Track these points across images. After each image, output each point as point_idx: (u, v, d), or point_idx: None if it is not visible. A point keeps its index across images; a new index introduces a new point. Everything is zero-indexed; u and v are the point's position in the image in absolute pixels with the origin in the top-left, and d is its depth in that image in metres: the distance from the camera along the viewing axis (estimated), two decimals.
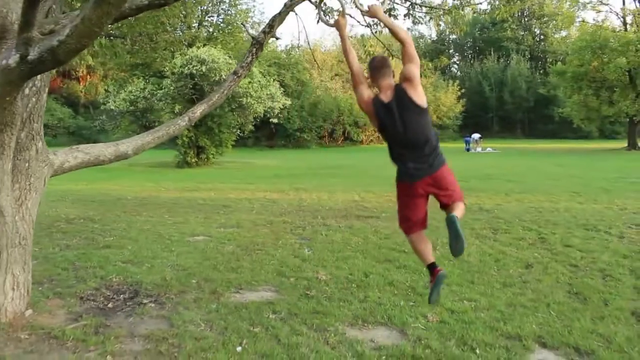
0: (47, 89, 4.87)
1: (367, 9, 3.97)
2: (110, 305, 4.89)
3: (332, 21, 4.18)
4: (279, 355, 3.72)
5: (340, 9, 4.25)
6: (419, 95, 3.54)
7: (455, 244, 3.45)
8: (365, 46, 8.89)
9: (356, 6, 4.29)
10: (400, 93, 3.54)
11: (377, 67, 3.68)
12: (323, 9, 7.36)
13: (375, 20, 7.55)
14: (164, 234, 8.00)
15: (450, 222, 3.44)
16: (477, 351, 3.76)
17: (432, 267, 3.74)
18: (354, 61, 3.76)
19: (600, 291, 5.02)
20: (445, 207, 3.69)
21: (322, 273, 5.78)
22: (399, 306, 4.69)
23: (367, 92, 3.67)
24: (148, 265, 6.21)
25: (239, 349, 3.84)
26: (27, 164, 4.58)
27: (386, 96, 3.58)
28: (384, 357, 3.69)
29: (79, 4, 6.97)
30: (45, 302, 4.86)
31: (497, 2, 8.55)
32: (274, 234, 7.97)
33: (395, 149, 3.66)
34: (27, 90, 4.53)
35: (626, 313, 4.45)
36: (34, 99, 4.64)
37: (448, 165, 3.72)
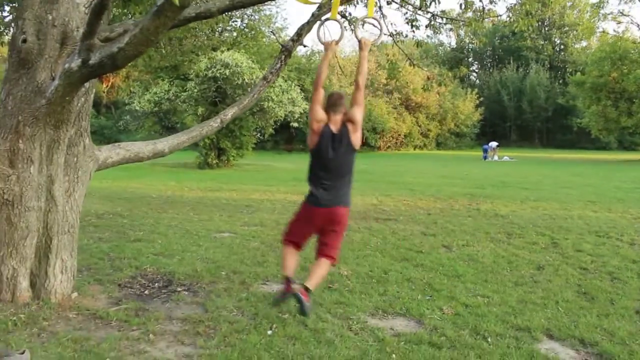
0: (94, 90, 5.28)
1: (360, 39, 4.46)
2: (146, 292, 5.27)
3: (325, 39, 4.59)
4: (306, 338, 4.07)
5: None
6: (357, 139, 4.17)
7: (301, 312, 4.15)
8: (388, 55, 9.22)
9: (354, 35, 4.77)
10: (344, 130, 4.13)
11: (334, 103, 4.21)
12: (350, 20, 7.72)
13: (399, 30, 7.98)
14: (191, 230, 8.39)
15: (299, 302, 4.08)
16: (489, 340, 4.08)
17: (287, 280, 4.28)
18: (322, 84, 4.30)
19: (607, 291, 5.31)
20: (317, 255, 4.33)
21: (344, 269, 6.11)
22: (416, 300, 5.02)
23: (322, 115, 4.19)
24: (179, 257, 6.60)
25: (269, 332, 4.20)
26: (75, 159, 4.98)
27: (334, 128, 4.13)
28: (402, 342, 4.03)
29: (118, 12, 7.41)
30: (88, 287, 5.26)
31: (516, 14, 8.80)
32: None
33: (317, 172, 4.19)
34: None
35: (631, 311, 4.74)
36: (82, 99, 5.03)
37: (349, 211, 4.35)
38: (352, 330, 4.29)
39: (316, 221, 4.23)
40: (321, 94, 4.25)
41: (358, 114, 4.17)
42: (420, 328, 4.35)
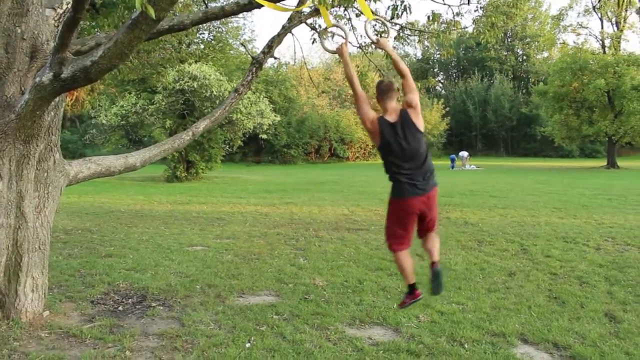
0: (64, 104, 5.20)
1: (376, 40, 4.38)
2: (120, 308, 5.19)
3: (332, 47, 4.53)
4: (285, 350, 4.06)
5: (344, 36, 4.64)
6: (420, 122, 3.92)
7: (437, 290, 3.99)
8: (358, 67, 9.32)
9: (369, 37, 4.69)
10: (405, 116, 3.88)
11: (385, 90, 3.99)
12: (320, 32, 7.79)
13: (368, 41, 8.06)
14: (162, 244, 8.29)
15: (437, 275, 3.94)
16: (466, 346, 4.14)
17: (412, 287, 4.05)
18: (358, 84, 4.07)
19: (577, 295, 5.45)
20: (425, 233, 4.08)
21: (319, 280, 6.13)
22: (392, 309, 5.05)
23: (372, 112, 3.97)
24: (152, 272, 6.51)
25: (247, 344, 4.18)
26: (46, 174, 4.89)
27: (392, 117, 3.89)
28: (381, 351, 4.06)
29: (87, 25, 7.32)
30: (59, 305, 5.15)
31: (481, 26, 9.00)
32: (269, 245, 8.30)
33: (396, 166, 3.88)
34: None
35: (600, 314, 4.87)
36: (52, 113, 4.93)
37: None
38: (330, 340, 4.29)
39: (414, 211, 3.91)
40: (362, 95, 4.01)
41: (415, 98, 3.95)
42: (397, 336, 4.39)
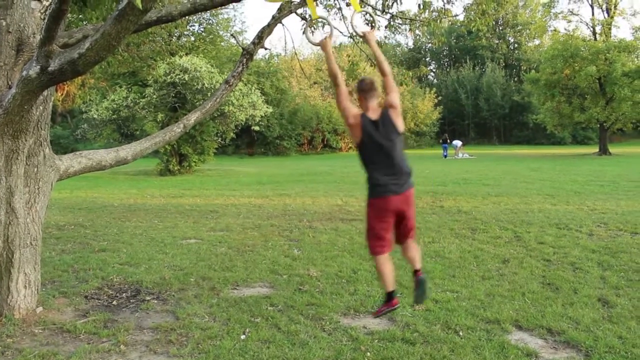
0: (52, 98, 5.14)
1: (363, 34, 4.31)
2: (114, 302, 5.17)
3: (317, 40, 4.48)
4: (280, 341, 4.06)
5: (328, 29, 4.60)
6: (400, 122, 3.93)
7: (420, 299, 4.02)
8: (349, 57, 9.28)
9: (355, 31, 4.64)
10: (386, 115, 3.89)
11: (367, 89, 3.96)
12: (306, 24, 7.75)
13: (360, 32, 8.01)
14: (156, 238, 8.26)
15: (421, 284, 3.95)
16: (461, 333, 4.16)
17: (390, 295, 3.93)
18: (341, 79, 4.04)
19: (570, 281, 5.47)
20: (404, 239, 4.03)
21: (313, 270, 6.12)
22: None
23: (355, 108, 3.96)
24: (145, 266, 6.49)
25: (242, 336, 4.18)
26: (35, 169, 4.85)
27: (373, 115, 3.89)
28: (376, 341, 4.06)
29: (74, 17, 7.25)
30: (53, 300, 5.12)
31: (472, 14, 8.98)
32: (263, 237, 8.29)
33: (373, 163, 3.88)
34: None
35: (593, 299, 4.90)
36: (41, 108, 4.88)
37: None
38: (325, 330, 4.30)
39: (392, 208, 3.85)
40: (344, 90, 3.99)
41: (396, 98, 3.95)
42: (392, 325, 4.40)
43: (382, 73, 4.04)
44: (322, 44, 4.19)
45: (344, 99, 3.94)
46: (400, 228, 3.98)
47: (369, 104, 3.94)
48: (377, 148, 3.84)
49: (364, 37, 4.29)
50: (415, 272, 4.02)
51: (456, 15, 9.33)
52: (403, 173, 3.88)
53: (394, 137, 3.86)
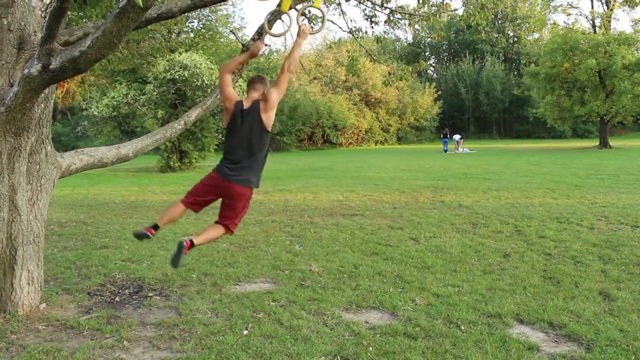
0: (54, 96, 5.16)
1: (299, 26, 4.52)
2: (117, 299, 5.19)
3: (276, 32, 4.81)
4: (282, 336, 4.08)
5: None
6: (268, 118, 4.21)
7: (174, 262, 4.16)
8: (348, 52, 9.28)
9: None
10: (255, 106, 4.21)
11: (250, 81, 4.40)
12: (304, 15, 7.77)
13: (357, 26, 8.11)
14: (158, 234, 8.25)
15: (179, 248, 4.14)
16: (462, 328, 4.18)
17: (156, 227, 4.41)
18: (230, 72, 4.57)
19: (571, 275, 5.49)
20: (218, 219, 4.39)
21: (315, 266, 6.15)
22: (388, 292, 5.08)
23: (234, 93, 4.35)
24: (148, 262, 6.52)
25: (245, 332, 4.20)
26: (37, 166, 4.86)
27: (247, 103, 4.23)
28: (378, 335, 4.08)
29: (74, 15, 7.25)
30: (56, 297, 5.15)
31: (471, 8, 8.97)
32: (265, 232, 8.31)
33: (229, 147, 4.25)
34: None
35: (594, 293, 4.92)
36: (42, 105, 4.89)
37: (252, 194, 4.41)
38: (327, 325, 4.32)
39: (217, 190, 4.28)
40: (229, 81, 4.42)
41: (274, 94, 4.22)
42: (394, 320, 4.42)
43: (282, 68, 4.30)
44: (254, 47, 4.73)
45: (224, 85, 4.39)
46: (222, 209, 4.36)
47: (249, 94, 4.32)
48: (235, 134, 4.21)
49: (299, 29, 4.45)
50: (188, 241, 4.18)
51: (455, 10, 9.33)
52: (244, 168, 4.18)
53: (254, 128, 4.18)
